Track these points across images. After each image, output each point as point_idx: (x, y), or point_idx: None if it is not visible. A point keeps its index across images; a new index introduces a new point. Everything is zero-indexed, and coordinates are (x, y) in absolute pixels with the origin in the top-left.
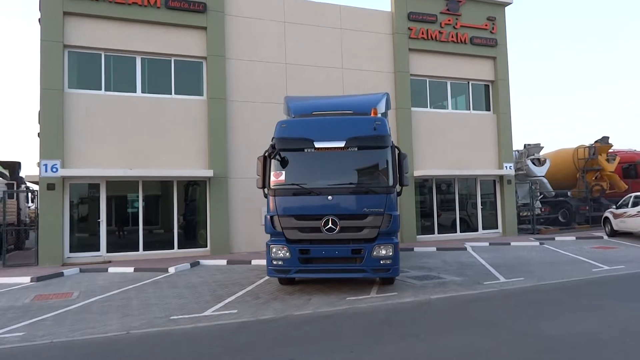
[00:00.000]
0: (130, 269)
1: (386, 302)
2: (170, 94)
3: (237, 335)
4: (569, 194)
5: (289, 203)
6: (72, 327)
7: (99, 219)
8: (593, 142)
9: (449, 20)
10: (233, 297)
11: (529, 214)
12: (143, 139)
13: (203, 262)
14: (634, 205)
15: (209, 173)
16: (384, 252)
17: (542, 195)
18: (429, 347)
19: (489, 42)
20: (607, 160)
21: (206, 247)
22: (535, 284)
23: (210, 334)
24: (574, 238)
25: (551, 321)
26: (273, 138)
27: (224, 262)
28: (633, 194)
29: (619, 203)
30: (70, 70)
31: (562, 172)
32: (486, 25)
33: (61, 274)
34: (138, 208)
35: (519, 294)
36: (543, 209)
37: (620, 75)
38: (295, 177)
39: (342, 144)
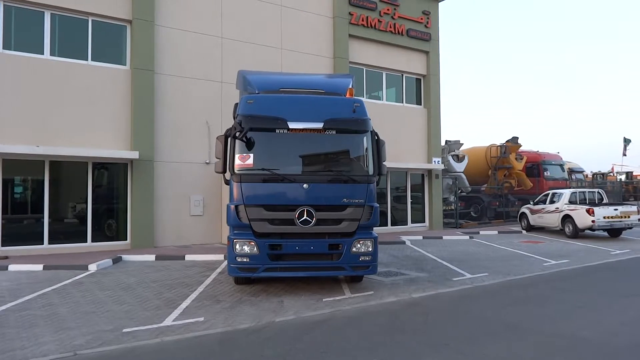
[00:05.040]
0: (39, 267)
1: (369, 302)
2: (87, 59)
3: (227, 352)
4: (482, 189)
5: (257, 191)
6: None
7: None
8: (504, 142)
9: (388, 10)
10: (188, 301)
11: (448, 208)
12: (52, 111)
13: (126, 257)
14: (552, 202)
15: (134, 155)
16: (363, 247)
17: (460, 191)
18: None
19: (424, 36)
20: (516, 159)
21: (126, 240)
22: (504, 279)
23: (189, 351)
24: (496, 232)
25: (572, 321)
26: (237, 115)
27: (151, 257)
28: (551, 191)
29: (536, 200)
30: None
31: (475, 168)
32: (421, 18)
33: None
34: (43, 193)
35: (498, 290)
36: (459, 204)
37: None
38: (265, 161)
39: (319, 126)
